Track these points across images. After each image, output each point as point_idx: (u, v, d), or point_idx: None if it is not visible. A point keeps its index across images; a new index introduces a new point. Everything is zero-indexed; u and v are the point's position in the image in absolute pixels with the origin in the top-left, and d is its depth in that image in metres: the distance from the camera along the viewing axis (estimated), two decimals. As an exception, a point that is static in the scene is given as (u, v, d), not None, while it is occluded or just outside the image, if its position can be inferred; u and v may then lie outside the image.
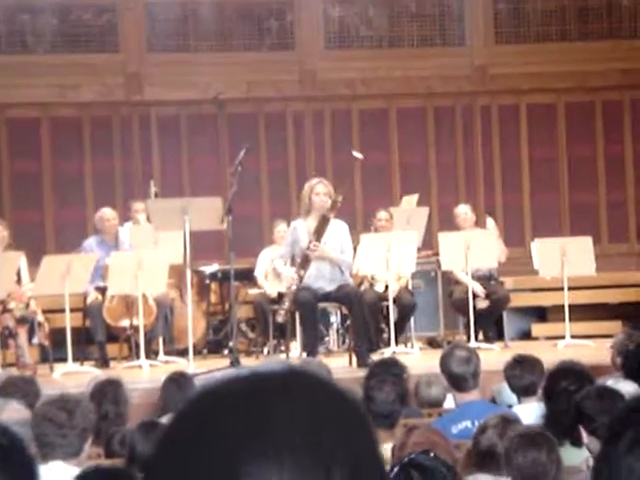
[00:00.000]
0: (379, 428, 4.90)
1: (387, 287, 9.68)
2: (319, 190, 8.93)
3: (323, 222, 8.86)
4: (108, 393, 5.67)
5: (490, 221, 10.79)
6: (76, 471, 4.03)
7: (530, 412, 5.39)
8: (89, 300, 9.72)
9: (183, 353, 9.49)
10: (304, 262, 8.80)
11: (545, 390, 4.96)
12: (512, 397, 5.97)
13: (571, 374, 4.92)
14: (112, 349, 9.86)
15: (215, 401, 1.01)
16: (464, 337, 9.98)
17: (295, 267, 8.87)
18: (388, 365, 6.09)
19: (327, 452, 0.96)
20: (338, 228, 8.98)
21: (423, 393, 6.38)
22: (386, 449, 4.19)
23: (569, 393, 4.70)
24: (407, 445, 3.95)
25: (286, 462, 0.95)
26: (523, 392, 5.61)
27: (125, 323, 9.59)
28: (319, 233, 8.83)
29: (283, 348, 9.76)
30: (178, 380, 6.10)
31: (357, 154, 9.18)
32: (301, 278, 8.77)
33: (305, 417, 0.98)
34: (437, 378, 5.87)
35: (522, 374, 5.61)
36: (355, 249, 9.32)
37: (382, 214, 10.28)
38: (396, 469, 3.49)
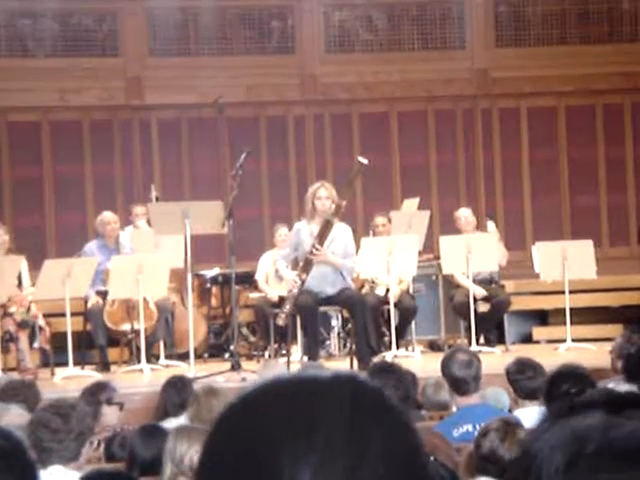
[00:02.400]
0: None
1: (388, 291, 9.67)
2: (321, 194, 8.93)
3: (326, 226, 8.86)
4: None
5: (491, 224, 10.78)
6: (76, 475, 4.02)
7: (531, 416, 5.38)
8: (90, 304, 9.71)
9: (184, 357, 9.49)
10: (306, 265, 8.80)
11: (546, 393, 4.96)
12: (506, 401, 5.97)
13: (572, 377, 4.92)
14: (113, 353, 9.85)
15: (265, 396, 1.05)
16: (465, 341, 9.97)
17: (297, 270, 8.87)
18: (389, 369, 6.09)
19: (359, 449, 1.01)
20: (342, 231, 8.98)
21: (431, 396, 6.37)
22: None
23: (570, 396, 4.69)
24: None
25: (318, 451, 1.00)
26: (529, 396, 5.60)
27: (126, 327, 9.59)
28: (322, 237, 8.83)
29: (284, 352, 9.76)
30: (177, 384, 6.10)
31: (362, 160, 9.18)
32: (303, 281, 8.77)
33: (344, 417, 1.02)
34: (445, 381, 5.86)
35: (530, 377, 5.61)
36: (356, 252, 9.32)
37: (379, 219, 10.28)
38: None
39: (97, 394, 5.70)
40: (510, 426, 4.16)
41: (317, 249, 8.77)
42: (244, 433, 1.03)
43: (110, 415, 5.55)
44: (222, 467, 1.03)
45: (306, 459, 0.99)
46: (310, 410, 1.02)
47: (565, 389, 4.82)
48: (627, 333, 7.30)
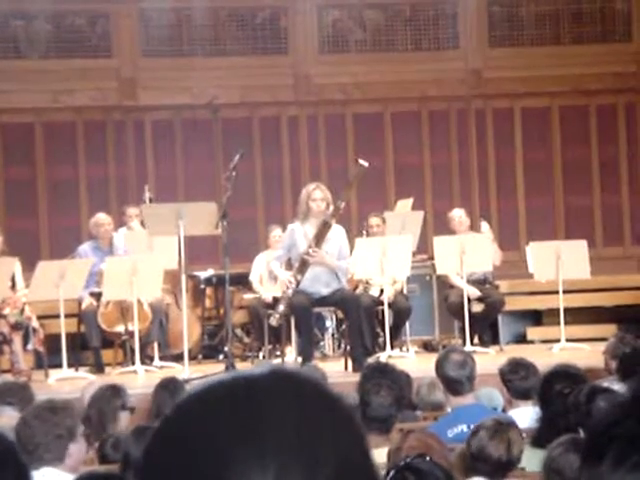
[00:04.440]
0: (375, 432, 4.89)
1: (382, 291, 9.67)
2: (316, 196, 8.93)
3: (324, 228, 8.85)
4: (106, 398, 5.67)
5: (485, 225, 10.79)
6: (68, 477, 4.01)
7: (526, 416, 5.38)
8: (84, 306, 9.70)
9: (178, 358, 9.48)
10: (302, 267, 8.79)
11: (540, 393, 4.96)
12: (500, 401, 5.97)
13: (565, 377, 4.92)
14: (107, 355, 9.84)
15: (202, 404, 1.00)
16: (459, 341, 9.97)
17: (292, 271, 8.87)
18: (383, 369, 6.08)
19: (311, 453, 0.96)
20: (336, 233, 8.98)
21: (425, 396, 6.37)
22: (382, 453, 4.18)
23: (564, 396, 4.70)
24: (403, 449, 3.94)
25: (271, 465, 0.95)
26: (522, 396, 5.60)
27: (120, 329, 9.58)
28: (319, 239, 8.82)
29: (278, 353, 9.75)
30: (169, 386, 6.09)
31: (363, 162, 9.18)
32: (298, 282, 8.76)
33: (291, 418, 0.97)
34: (439, 381, 5.86)
35: (523, 378, 5.61)
36: (350, 253, 9.32)
37: (374, 220, 10.28)
38: (392, 473, 3.48)
39: (114, 398, 5.67)
40: (502, 425, 4.16)
41: (314, 251, 8.76)
42: (187, 445, 0.98)
43: (123, 420, 5.53)
44: (160, 467, 1.00)
45: (256, 477, 0.95)
46: (255, 416, 0.97)
47: (559, 389, 4.82)
48: (620, 333, 7.32)
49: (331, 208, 8.89)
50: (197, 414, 0.99)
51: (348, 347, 9.02)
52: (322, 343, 10.13)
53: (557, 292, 9.89)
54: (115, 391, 5.76)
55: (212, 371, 8.69)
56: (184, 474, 0.97)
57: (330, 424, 0.98)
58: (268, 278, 10.04)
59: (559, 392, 4.77)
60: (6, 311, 9.21)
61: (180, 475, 0.97)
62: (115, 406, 5.64)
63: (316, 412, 0.98)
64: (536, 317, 11.39)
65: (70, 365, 9.24)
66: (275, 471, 0.95)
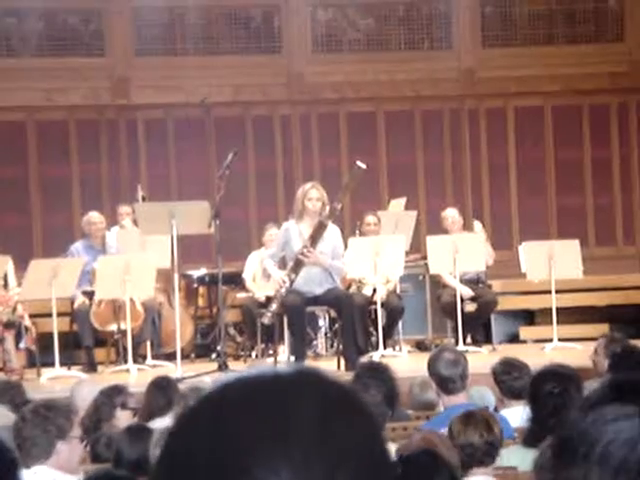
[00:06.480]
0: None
1: (375, 291, 9.67)
2: (312, 195, 8.92)
3: (320, 228, 8.84)
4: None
5: (478, 224, 10.80)
6: (61, 476, 4.00)
7: (518, 415, 5.39)
8: (76, 304, 9.69)
9: (171, 357, 9.47)
10: (296, 266, 8.78)
11: (530, 393, 4.96)
12: (491, 400, 5.98)
13: (555, 377, 4.92)
14: (100, 353, 9.83)
15: (227, 400, 1.01)
16: (452, 340, 9.98)
17: (286, 270, 8.86)
18: (374, 368, 6.08)
19: (334, 448, 0.99)
20: (331, 233, 8.97)
21: (417, 396, 6.37)
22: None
23: (553, 396, 4.70)
24: (410, 448, 3.95)
25: (296, 456, 0.97)
26: (515, 395, 5.61)
27: (113, 327, 9.57)
28: (314, 239, 8.81)
29: (271, 352, 9.75)
30: (161, 384, 6.08)
31: (361, 164, 9.17)
32: (292, 282, 8.76)
33: (316, 416, 1.00)
34: (431, 381, 5.87)
35: (516, 378, 5.61)
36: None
37: (370, 218, 10.28)
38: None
39: (113, 397, 5.67)
40: (470, 413, 4.22)
41: (309, 251, 8.75)
42: (211, 440, 0.98)
43: (123, 420, 5.51)
44: (183, 472, 0.99)
45: (282, 470, 0.97)
46: (281, 414, 0.99)
47: (549, 389, 4.82)
48: (609, 334, 7.32)
49: (327, 208, 8.88)
50: (222, 408, 1.00)
51: (341, 346, 9.02)
52: (315, 342, 10.12)
53: (550, 292, 9.90)
54: (116, 390, 5.75)
55: (205, 370, 8.69)
56: (208, 468, 0.98)
57: (352, 422, 1.01)
58: (261, 276, 10.03)
59: (549, 392, 4.77)
60: (-2, 310, 9.20)
61: (204, 469, 0.98)
62: (113, 404, 5.63)
63: (339, 411, 1.01)
64: (529, 317, 11.40)
65: (62, 364, 9.22)
66: (299, 463, 0.97)
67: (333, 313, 9.43)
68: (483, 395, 6.14)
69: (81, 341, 9.65)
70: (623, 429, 1.03)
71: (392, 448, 4.21)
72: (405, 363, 8.98)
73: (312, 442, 0.98)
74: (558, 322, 9.87)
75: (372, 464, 1.01)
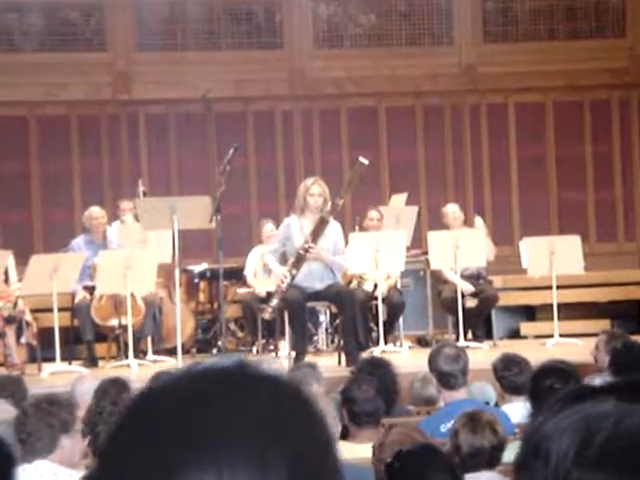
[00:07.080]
0: (365, 427, 4.89)
1: (376, 286, 9.67)
2: (314, 191, 8.91)
3: (321, 224, 8.83)
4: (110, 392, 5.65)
5: (479, 220, 10.79)
6: (63, 471, 4.01)
7: (518, 411, 5.39)
8: (77, 299, 9.69)
9: (172, 352, 9.48)
10: (297, 262, 8.78)
11: (530, 389, 4.97)
12: (492, 395, 5.98)
13: (556, 373, 4.92)
14: (100, 348, 9.83)
15: (152, 404, 0.98)
16: (453, 336, 9.98)
17: (287, 265, 8.86)
18: (375, 363, 6.09)
19: (262, 454, 0.94)
20: (332, 229, 8.97)
21: (418, 391, 6.38)
22: (369, 448, 4.18)
23: (554, 391, 4.70)
24: (385, 444, 3.94)
25: (224, 468, 0.93)
26: (515, 391, 5.61)
27: (113, 322, 9.57)
28: (316, 234, 8.81)
29: (272, 347, 9.75)
30: (161, 378, 6.07)
31: (363, 160, 9.17)
32: (293, 277, 8.75)
33: (242, 419, 0.95)
34: (432, 376, 5.87)
35: (516, 373, 5.62)
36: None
37: (373, 213, 10.27)
38: (391, 461, 3.50)
39: (111, 391, 5.66)
40: (473, 415, 4.19)
41: (310, 246, 8.75)
42: (135, 437, 0.96)
43: None
44: (111, 469, 0.97)
45: (201, 469, 0.93)
46: (201, 414, 0.94)
47: (549, 384, 4.82)
48: (610, 330, 7.32)
49: (329, 204, 8.87)
50: (147, 414, 0.97)
51: (342, 342, 9.02)
52: (316, 338, 10.13)
53: (551, 287, 9.89)
54: (115, 383, 5.75)
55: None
56: (133, 475, 0.95)
57: (284, 424, 0.96)
58: (262, 271, 10.03)
59: (549, 387, 4.78)
60: (-1, 305, 9.21)
61: (129, 476, 0.95)
62: (115, 400, 5.63)
63: (268, 412, 0.96)
64: (529, 312, 11.40)
65: (63, 359, 9.23)
66: (227, 474, 0.93)
67: (334, 308, 9.43)
68: (484, 391, 6.14)
69: (82, 336, 9.66)
70: (560, 424, 1.03)
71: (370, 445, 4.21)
72: (406, 359, 8.98)
73: (239, 448, 0.94)
74: (559, 318, 9.87)
75: (310, 470, 0.96)
